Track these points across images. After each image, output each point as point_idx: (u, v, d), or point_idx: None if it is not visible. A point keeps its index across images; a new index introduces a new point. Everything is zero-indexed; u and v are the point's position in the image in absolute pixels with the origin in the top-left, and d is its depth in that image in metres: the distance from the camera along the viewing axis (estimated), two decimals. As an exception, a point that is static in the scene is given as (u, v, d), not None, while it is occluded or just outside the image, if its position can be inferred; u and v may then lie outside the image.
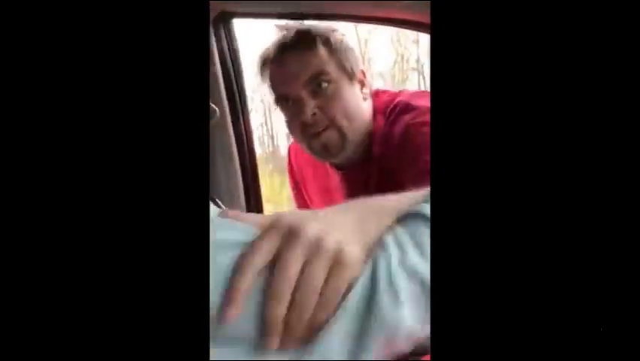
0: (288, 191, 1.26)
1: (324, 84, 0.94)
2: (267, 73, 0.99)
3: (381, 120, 0.99)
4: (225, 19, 1.13)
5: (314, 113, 0.94)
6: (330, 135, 0.96)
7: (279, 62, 0.97)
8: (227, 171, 1.09)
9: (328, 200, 1.09)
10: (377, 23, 1.04)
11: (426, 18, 0.96)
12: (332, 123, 0.94)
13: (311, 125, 0.95)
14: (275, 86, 0.99)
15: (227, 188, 1.08)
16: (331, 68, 0.95)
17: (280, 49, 0.96)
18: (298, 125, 0.96)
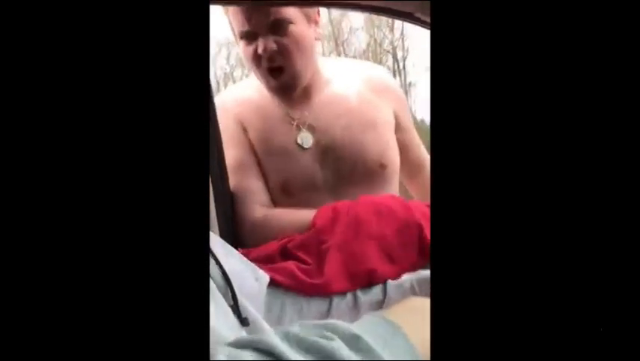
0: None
1: (287, 24, 1.06)
2: (234, 10, 1.09)
3: None
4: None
5: (273, 49, 1.06)
6: (286, 76, 1.10)
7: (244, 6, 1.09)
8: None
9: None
10: (358, 10, 1.03)
11: (407, 7, 0.95)
12: (288, 59, 1.07)
13: (266, 59, 1.07)
14: (239, 24, 1.09)
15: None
16: (293, 11, 1.07)
17: None
18: (254, 56, 1.08)
